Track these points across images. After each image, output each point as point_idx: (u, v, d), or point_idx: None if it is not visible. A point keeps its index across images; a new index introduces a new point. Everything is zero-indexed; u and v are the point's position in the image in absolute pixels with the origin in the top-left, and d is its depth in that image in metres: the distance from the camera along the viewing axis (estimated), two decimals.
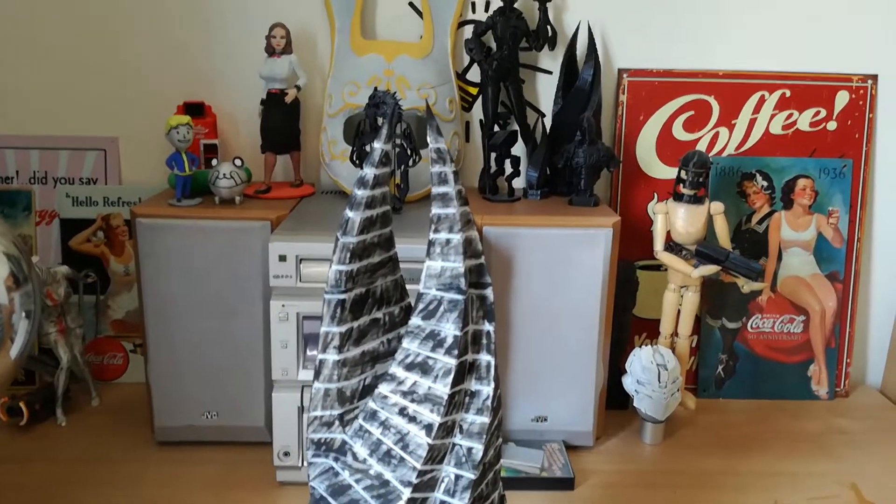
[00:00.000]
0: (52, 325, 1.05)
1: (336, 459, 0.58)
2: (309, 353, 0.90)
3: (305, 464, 0.93)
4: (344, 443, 0.57)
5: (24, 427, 1.02)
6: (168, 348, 0.97)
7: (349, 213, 0.55)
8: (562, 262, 0.97)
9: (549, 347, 0.99)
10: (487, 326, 0.56)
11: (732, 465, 1.02)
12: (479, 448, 0.55)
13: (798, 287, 1.19)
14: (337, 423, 0.58)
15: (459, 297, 0.54)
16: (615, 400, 1.11)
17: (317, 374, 0.57)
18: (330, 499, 0.57)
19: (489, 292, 0.56)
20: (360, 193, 0.55)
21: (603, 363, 1.02)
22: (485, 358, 0.56)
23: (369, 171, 0.55)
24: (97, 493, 0.91)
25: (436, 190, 0.54)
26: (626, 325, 1.14)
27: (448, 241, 0.54)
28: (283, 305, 0.89)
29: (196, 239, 0.94)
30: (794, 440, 1.09)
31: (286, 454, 0.92)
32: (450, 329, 0.54)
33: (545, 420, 1.03)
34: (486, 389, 0.56)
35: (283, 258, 0.88)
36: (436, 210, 0.54)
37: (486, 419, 0.56)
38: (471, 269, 0.55)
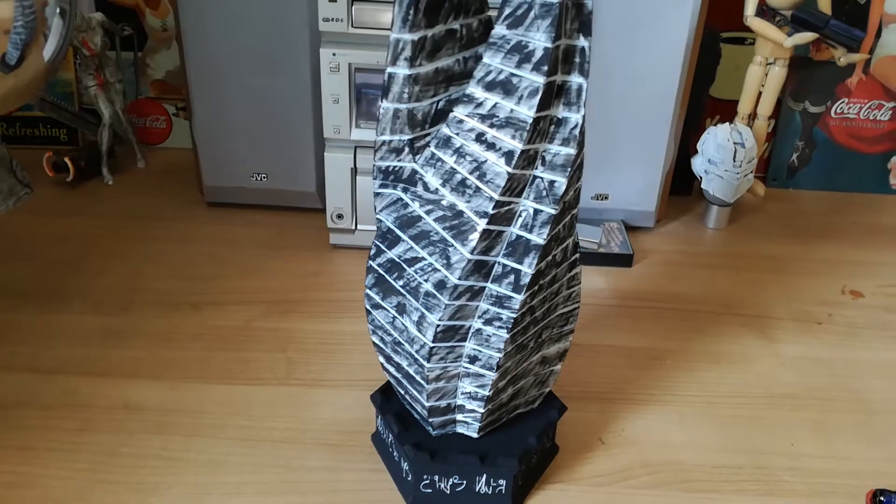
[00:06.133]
0: (90, 79, 0.99)
1: (405, 190, 0.53)
2: (362, 107, 0.84)
3: (358, 227, 0.91)
4: (414, 172, 0.52)
5: (70, 183, 1.00)
6: (213, 105, 0.92)
7: None
8: (645, 18, 0.86)
9: (619, 116, 0.91)
10: (582, 42, 0.48)
11: (800, 251, 0.98)
12: (561, 182, 0.50)
13: (893, 69, 1.08)
14: (407, 149, 0.52)
15: None
16: (677, 186, 1.05)
17: (385, 93, 0.51)
18: (398, 231, 0.53)
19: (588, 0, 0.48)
20: None
21: (674, 140, 0.95)
22: (576, 80, 0.49)
23: None
24: (147, 246, 0.90)
25: None
26: (701, 103, 1.05)
27: None
28: (333, 54, 0.81)
29: None
30: (867, 231, 1.03)
31: (339, 217, 0.89)
32: (540, 40, 0.46)
33: (606, 198, 0.97)
34: (575, 117, 0.50)
35: None
36: None
37: (571, 150, 0.50)
38: None
